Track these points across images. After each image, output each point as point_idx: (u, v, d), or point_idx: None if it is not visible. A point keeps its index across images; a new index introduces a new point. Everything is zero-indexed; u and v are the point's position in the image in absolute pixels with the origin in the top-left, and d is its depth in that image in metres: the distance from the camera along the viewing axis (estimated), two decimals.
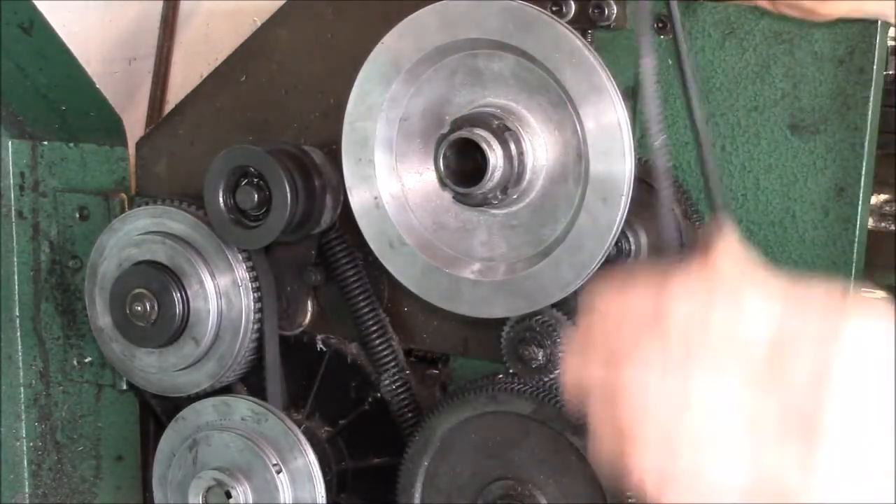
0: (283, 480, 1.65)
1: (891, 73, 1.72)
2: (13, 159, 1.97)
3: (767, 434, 0.89)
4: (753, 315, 0.91)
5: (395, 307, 1.69)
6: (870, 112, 1.38)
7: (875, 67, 1.36)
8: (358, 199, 1.46)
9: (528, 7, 1.31)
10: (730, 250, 0.96)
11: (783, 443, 0.88)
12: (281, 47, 1.70)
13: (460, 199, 1.40)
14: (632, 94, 1.46)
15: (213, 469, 1.67)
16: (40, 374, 2.02)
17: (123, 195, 1.87)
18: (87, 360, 1.98)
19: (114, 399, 1.99)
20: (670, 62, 1.46)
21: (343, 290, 1.68)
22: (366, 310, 1.68)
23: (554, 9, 1.41)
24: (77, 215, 1.92)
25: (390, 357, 1.69)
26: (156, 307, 1.68)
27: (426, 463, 1.62)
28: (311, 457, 1.65)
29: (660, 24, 1.43)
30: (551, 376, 1.54)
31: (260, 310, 1.70)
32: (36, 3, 1.68)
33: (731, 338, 0.91)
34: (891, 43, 1.47)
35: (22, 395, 2.04)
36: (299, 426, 1.69)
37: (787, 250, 1.45)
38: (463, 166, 1.38)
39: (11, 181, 1.97)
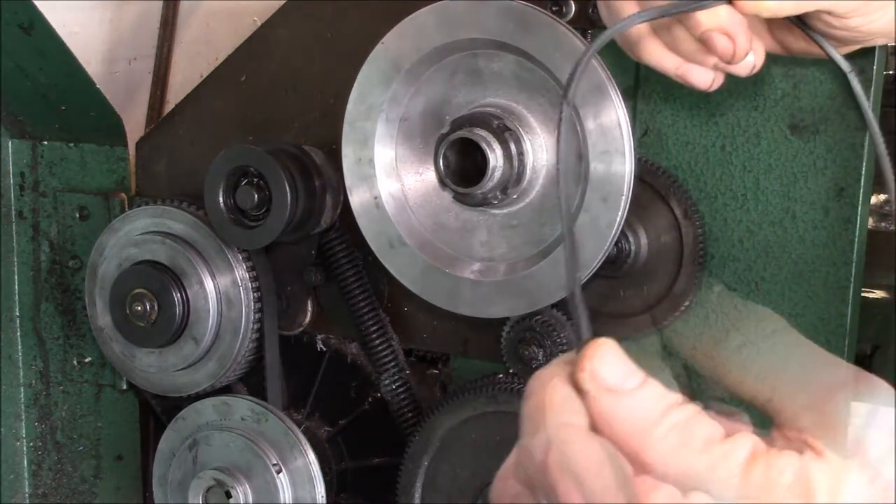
0: (283, 480, 1.65)
1: (891, 73, 1.72)
2: (13, 159, 1.97)
3: None
4: None
5: (395, 307, 1.69)
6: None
7: (875, 67, 1.36)
8: (358, 199, 1.46)
9: (528, 7, 1.31)
10: None
11: None
12: (281, 47, 1.70)
13: (460, 199, 1.40)
14: (632, 94, 1.46)
15: (213, 469, 1.67)
16: (40, 374, 2.02)
17: (123, 195, 1.86)
18: (87, 360, 1.98)
19: (114, 399, 1.99)
20: None
21: (343, 290, 1.68)
22: (366, 310, 1.68)
23: (554, 9, 1.41)
24: (77, 215, 1.92)
25: (390, 357, 1.69)
26: (156, 307, 1.68)
27: (426, 463, 1.62)
28: (311, 457, 1.65)
29: None
30: None
31: (260, 310, 1.70)
32: (36, 3, 1.68)
33: None
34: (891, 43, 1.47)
35: (22, 395, 2.04)
36: (299, 426, 1.69)
37: (787, 250, 1.45)
38: (463, 166, 1.38)
39: (11, 181, 1.97)
